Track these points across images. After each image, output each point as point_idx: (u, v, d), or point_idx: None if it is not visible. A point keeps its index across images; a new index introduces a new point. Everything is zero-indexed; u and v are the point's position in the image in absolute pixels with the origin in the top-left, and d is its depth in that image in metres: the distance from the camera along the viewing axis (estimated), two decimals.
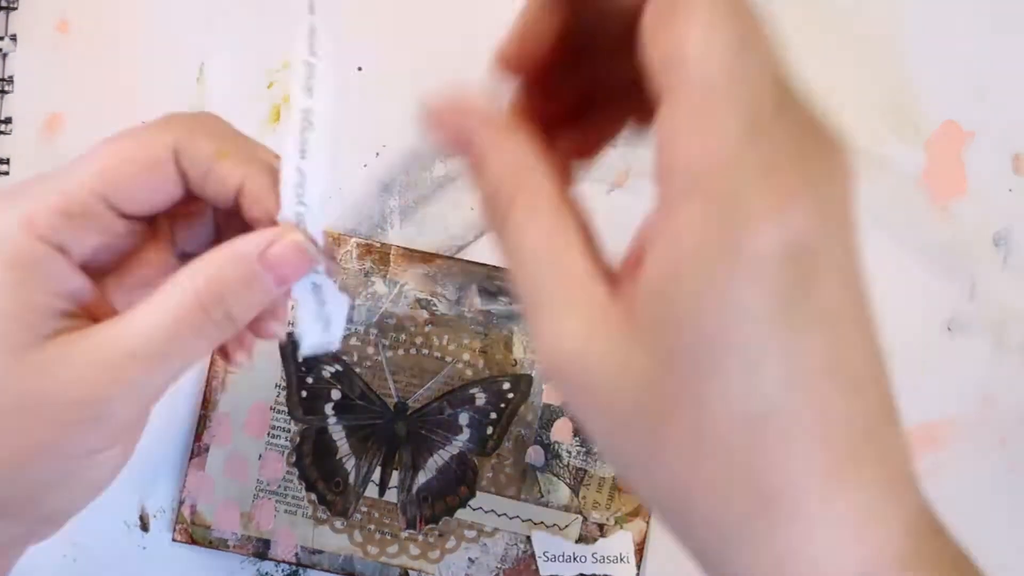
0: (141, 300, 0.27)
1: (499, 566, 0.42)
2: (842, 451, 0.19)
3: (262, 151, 0.29)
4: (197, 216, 0.30)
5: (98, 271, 0.29)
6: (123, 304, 0.29)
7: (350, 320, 0.43)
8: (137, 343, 0.26)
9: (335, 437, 0.42)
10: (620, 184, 0.44)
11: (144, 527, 0.42)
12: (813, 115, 0.20)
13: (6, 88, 0.45)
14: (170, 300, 0.26)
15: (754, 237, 0.19)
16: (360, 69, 0.45)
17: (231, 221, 0.29)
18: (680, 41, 0.19)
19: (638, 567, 0.42)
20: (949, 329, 0.43)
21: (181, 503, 0.42)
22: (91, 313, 0.28)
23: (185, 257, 0.31)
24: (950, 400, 0.42)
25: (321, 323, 0.29)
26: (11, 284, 0.26)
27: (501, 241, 0.22)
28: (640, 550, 0.42)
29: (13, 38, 0.45)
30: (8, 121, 0.45)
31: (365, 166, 0.44)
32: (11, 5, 0.45)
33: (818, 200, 0.19)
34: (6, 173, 0.45)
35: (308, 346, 0.29)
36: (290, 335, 0.32)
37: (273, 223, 0.27)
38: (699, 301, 0.19)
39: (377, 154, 0.44)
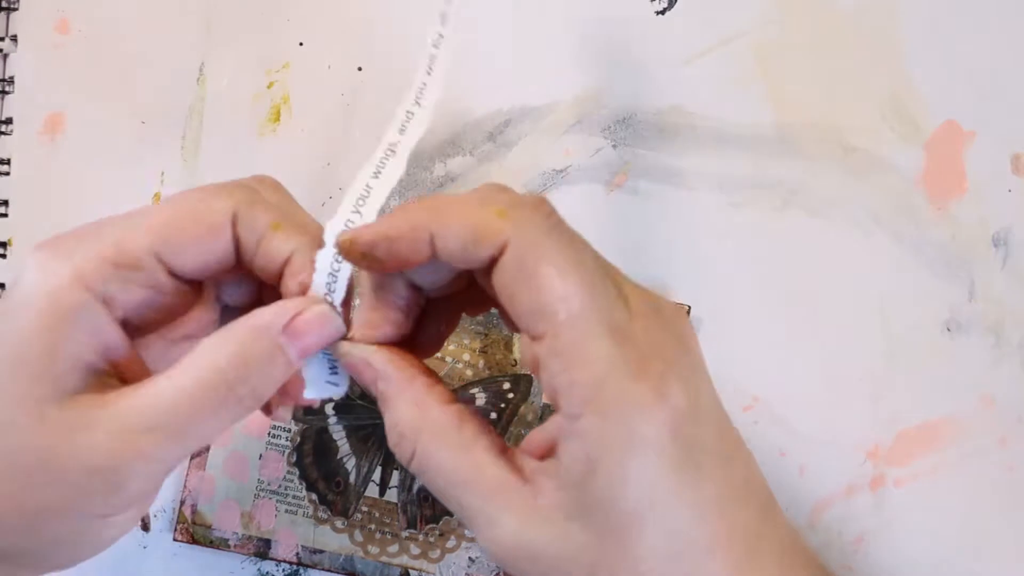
0: (171, 361, 0.27)
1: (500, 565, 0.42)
2: (744, 550, 0.25)
3: (311, 222, 0.29)
4: (242, 274, 0.30)
5: (138, 328, 0.29)
6: (162, 358, 0.29)
7: None
8: (157, 417, 0.26)
9: (335, 437, 0.42)
10: (620, 184, 0.44)
11: (145, 527, 0.43)
12: (649, 292, 0.26)
13: (6, 88, 0.45)
14: (193, 375, 0.26)
15: (643, 426, 0.24)
16: (360, 69, 0.45)
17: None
18: (542, 296, 0.24)
19: None
20: (948, 329, 0.43)
21: (182, 503, 0.42)
22: (120, 371, 0.27)
23: (227, 310, 0.31)
24: (950, 400, 0.43)
25: (328, 367, 0.29)
26: (43, 329, 0.26)
27: (419, 472, 0.27)
28: None
29: (13, 38, 0.45)
30: (8, 121, 0.45)
31: None
32: (11, 5, 0.45)
33: (682, 371, 0.25)
34: (6, 173, 0.45)
35: (314, 389, 0.29)
36: None
37: (302, 292, 0.28)
38: (617, 484, 0.24)
39: None
